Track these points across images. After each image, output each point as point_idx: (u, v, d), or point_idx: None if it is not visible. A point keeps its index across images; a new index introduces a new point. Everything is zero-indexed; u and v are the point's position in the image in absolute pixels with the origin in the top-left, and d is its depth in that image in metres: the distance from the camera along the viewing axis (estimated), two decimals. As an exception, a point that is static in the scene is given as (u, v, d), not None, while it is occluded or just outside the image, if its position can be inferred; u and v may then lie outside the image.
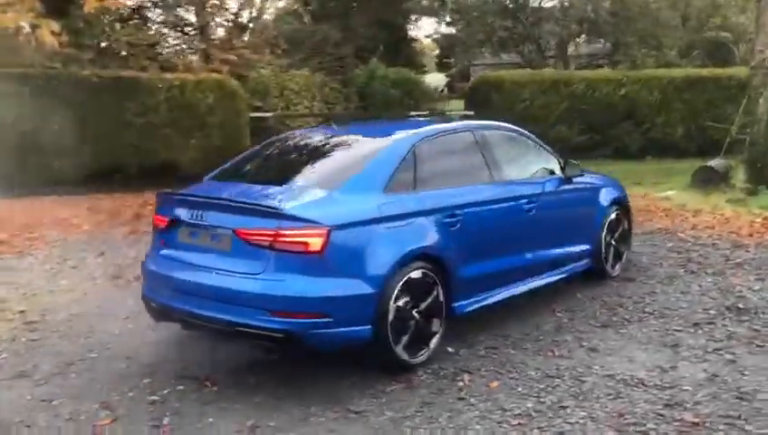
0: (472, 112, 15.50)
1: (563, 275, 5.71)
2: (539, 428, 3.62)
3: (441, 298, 4.47)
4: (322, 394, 4.04)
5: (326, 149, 4.80)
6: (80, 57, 13.17)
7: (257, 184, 4.54)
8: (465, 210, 4.67)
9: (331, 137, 4.96)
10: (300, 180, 4.47)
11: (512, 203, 5.09)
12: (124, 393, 4.10)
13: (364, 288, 3.99)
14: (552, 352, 4.62)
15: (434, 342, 4.45)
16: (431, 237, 4.41)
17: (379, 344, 4.11)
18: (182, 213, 4.32)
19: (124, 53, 13.82)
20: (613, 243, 6.29)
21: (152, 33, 14.24)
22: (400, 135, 4.75)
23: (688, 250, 7.34)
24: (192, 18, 15.97)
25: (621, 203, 6.44)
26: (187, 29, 15.66)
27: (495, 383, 4.17)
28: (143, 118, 12.13)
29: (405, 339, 4.24)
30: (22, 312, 5.60)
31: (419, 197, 4.45)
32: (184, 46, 14.50)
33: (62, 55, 12.95)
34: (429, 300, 4.38)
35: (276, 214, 3.91)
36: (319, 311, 3.87)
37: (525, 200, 5.19)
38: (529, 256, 5.26)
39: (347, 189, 4.22)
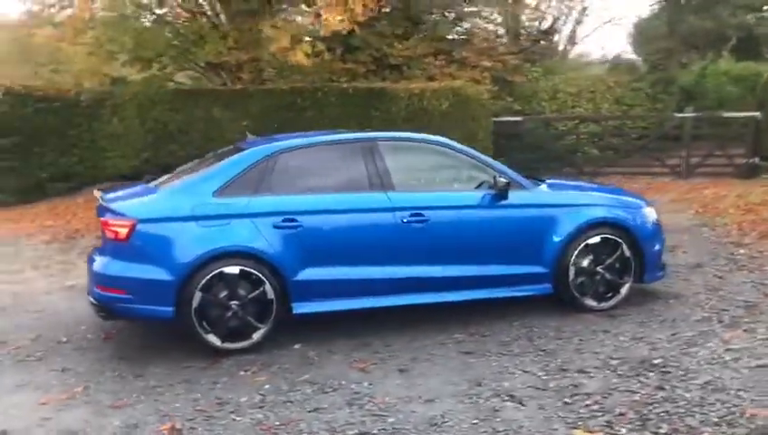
0: (758, 114, 13.09)
1: (488, 296, 5.30)
2: (208, 417, 3.96)
3: (271, 296, 4.87)
4: (146, 359, 4.91)
5: (218, 158, 5.48)
6: (357, 71, 15.38)
7: (157, 185, 5.45)
8: (309, 217, 4.93)
9: (234, 149, 5.59)
10: (172, 183, 5.28)
11: (385, 214, 5.04)
12: (57, 334, 5.57)
13: (163, 275, 4.73)
14: (363, 366, 4.61)
15: (258, 334, 4.90)
16: (255, 239, 4.84)
17: (185, 326, 4.79)
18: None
19: (398, 65, 15.55)
20: (599, 271, 5.44)
21: (425, 44, 15.52)
22: (262, 146, 5.20)
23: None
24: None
25: (617, 225, 5.47)
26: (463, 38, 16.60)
27: (262, 378, 4.48)
28: (387, 123, 13.61)
29: (218, 326, 4.81)
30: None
31: (252, 202, 4.90)
32: (457, 55, 15.41)
33: (345, 70, 15.38)
34: (252, 296, 4.84)
35: (108, 208, 4.94)
36: (121, 288, 4.77)
37: (409, 213, 5.06)
38: (416, 269, 5.12)
39: (176, 191, 5.02)
